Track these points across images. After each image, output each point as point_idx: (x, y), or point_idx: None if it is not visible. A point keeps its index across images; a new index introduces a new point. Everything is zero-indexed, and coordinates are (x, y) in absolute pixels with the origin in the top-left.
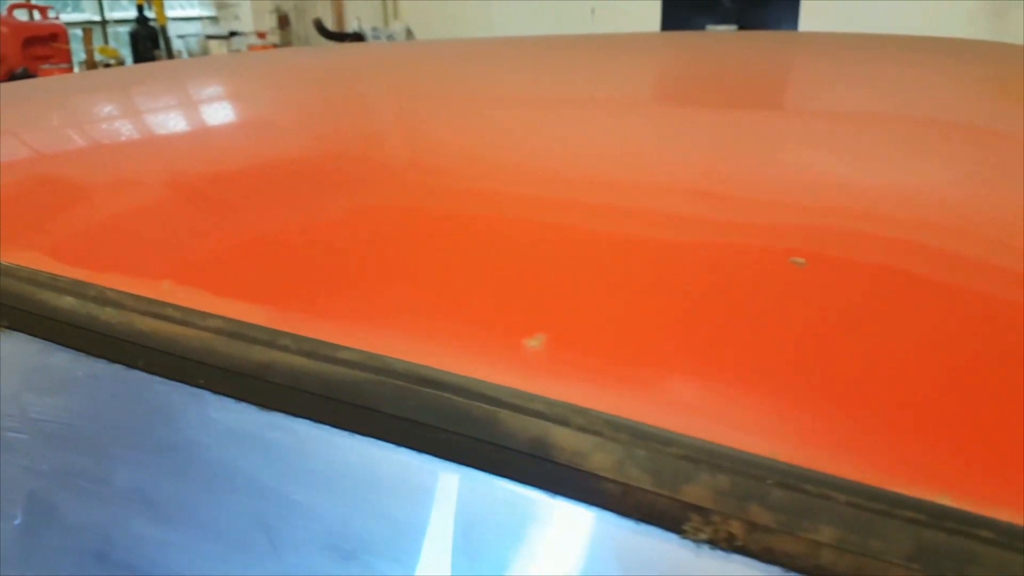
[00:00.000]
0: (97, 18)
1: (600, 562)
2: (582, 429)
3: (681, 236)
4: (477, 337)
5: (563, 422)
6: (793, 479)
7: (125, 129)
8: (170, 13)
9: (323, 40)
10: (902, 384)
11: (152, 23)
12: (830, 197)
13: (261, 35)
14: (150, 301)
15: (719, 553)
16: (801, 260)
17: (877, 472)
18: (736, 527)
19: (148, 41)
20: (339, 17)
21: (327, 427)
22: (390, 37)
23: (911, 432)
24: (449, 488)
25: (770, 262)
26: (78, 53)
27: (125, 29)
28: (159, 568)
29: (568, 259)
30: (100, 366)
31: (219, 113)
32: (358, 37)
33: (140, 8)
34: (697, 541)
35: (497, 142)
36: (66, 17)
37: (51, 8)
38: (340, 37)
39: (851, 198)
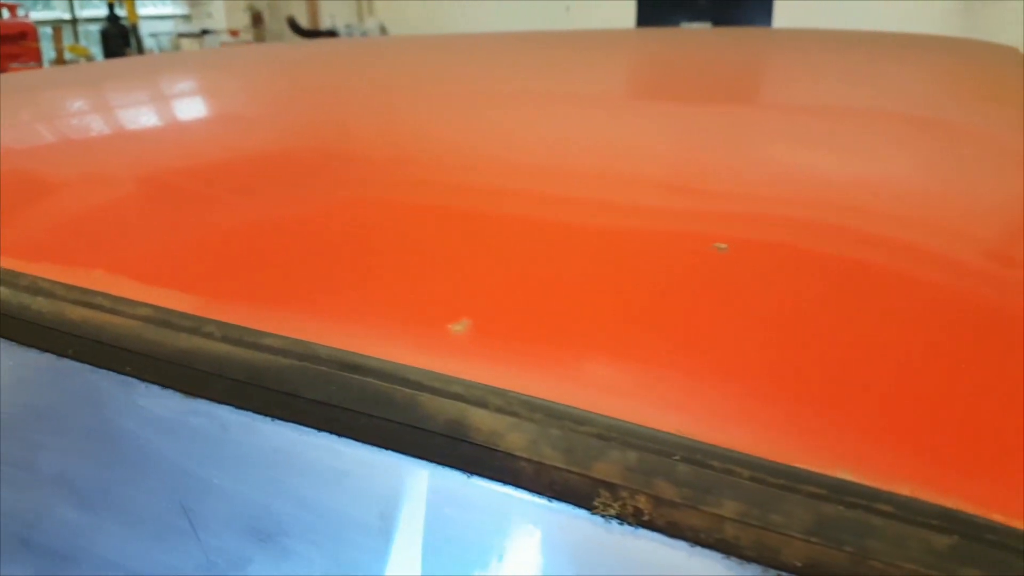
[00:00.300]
0: (68, 16)
1: (515, 539)
2: (499, 410)
3: (604, 222)
4: (403, 322)
5: (481, 404)
6: (699, 455)
7: (68, 122)
8: (142, 11)
9: (297, 38)
10: (806, 362)
11: (123, 21)
12: (765, 185)
13: (234, 33)
14: (81, 290)
15: (627, 528)
16: (723, 246)
17: (780, 448)
18: (643, 502)
19: (119, 39)
20: (313, 15)
21: (249, 413)
22: (363, 34)
23: (814, 409)
24: (368, 471)
25: (692, 248)
26: (48, 52)
27: (96, 27)
28: (82, 552)
29: (495, 245)
30: (31, 355)
31: (163, 107)
32: (331, 34)
33: (111, 6)
34: (606, 516)
35: (435, 133)
36: (36, 15)
37: (20, 6)
38: (313, 34)
39: (785, 185)
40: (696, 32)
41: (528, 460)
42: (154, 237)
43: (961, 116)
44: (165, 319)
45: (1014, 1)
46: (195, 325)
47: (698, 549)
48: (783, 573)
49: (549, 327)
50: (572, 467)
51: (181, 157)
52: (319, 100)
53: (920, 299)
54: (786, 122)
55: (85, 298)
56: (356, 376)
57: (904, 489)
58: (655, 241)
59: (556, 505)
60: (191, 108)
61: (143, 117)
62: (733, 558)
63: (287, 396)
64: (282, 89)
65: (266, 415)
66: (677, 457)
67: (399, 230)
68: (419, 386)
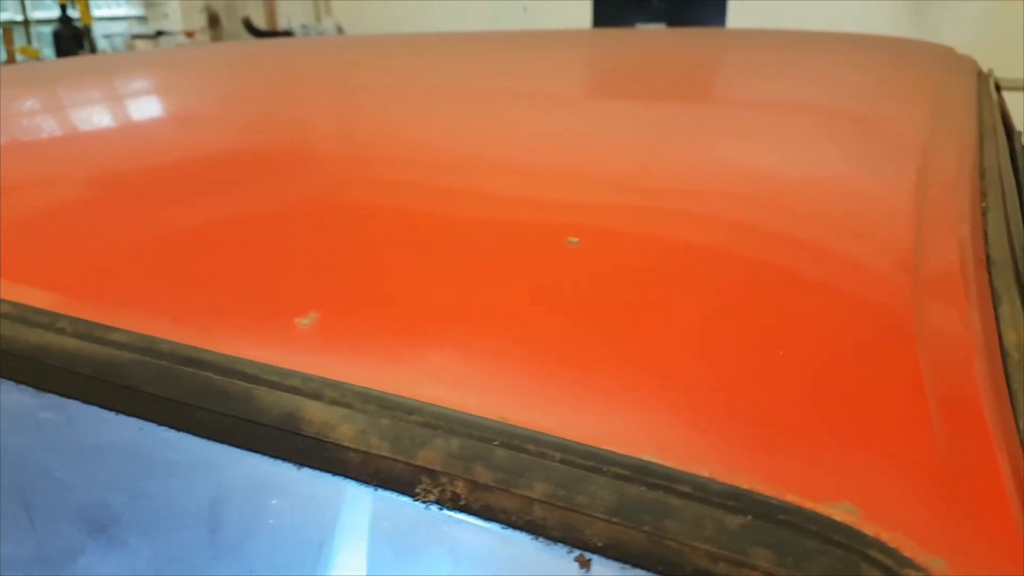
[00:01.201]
0: (19, 18)
1: (341, 528)
2: (333, 402)
3: (457, 213)
4: (251, 317)
5: (316, 396)
6: (518, 440)
7: None
8: (97, 12)
9: (252, 39)
10: (619, 351)
11: (76, 23)
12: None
13: (190, 34)
14: None
15: (447, 513)
16: (575, 239)
17: (594, 432)
18: (460, 487)
19: (72, 41)
20: (271, 15)
21: (95, 407)
22: (319, 34)
23: (627, 395)
24: (202, 464)
25: (542, 241)
26: None
27: (49, 29)
28: None
29: (344, 239)
30: None
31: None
32: (287, 35)
33: (63, 7)
34: (427, 502)
35: (323, 129)
36: None
37: None
38: (269, 35)
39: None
40: (643, 33)
41: (356, 450)
42: (18, 235)
43: (867, 111)
44: (21, 315)
45: (965, 1)
46: (49, 321)
47: (510, 532)
48: (586, 552)
49: (391, 321)
50: (397, 455)
51: (70, 159)
52: (227, 100)
53: (726, 289)
54: (692, 116)
55: None
56: (194, 370)
57: (704, 471)
58: (505, 235)
59: (382, 493)
60: (97, 110)
61: (46, 118)
62: (541, 539)
63: (129, 390)
64: (204, 89)
65: (110, 409)
66: (497, 443)
67: (254, 227)
68: (256, 380)
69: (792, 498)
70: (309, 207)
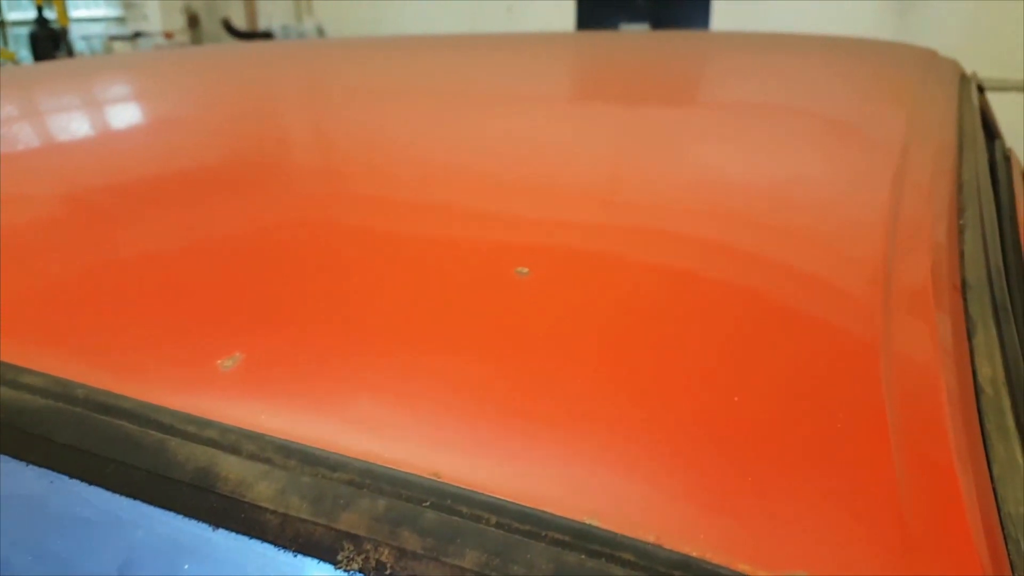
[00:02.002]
0: None
1: None
2: (252, 457)
3: (402, 242)
4: (172, 357)
5: (234, 449)
6: (450, 500)
7: None
8: (75, 13)
9: (233, 40)
10: (562, 405)
11: (53, 24)
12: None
13: (169, 35)
14: None
15: None
16: (524, 270)
17: (533, 492)
18: (386, 555)
19: (49, 43)
20: (251, 15)
21: (4, 456)
22: (300, 35)
23: (563, 449)
24: (113, 521)
25: (490, 272)
26: None
27: (25, 30)
28: None
29: (274, 277)
30: None
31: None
32: (267, 36)
33: (39, 8)
34: (349, 571)
35: (250, 150)
36: None
37: None
38: (249, 36)
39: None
40: (624, 36)
41: (274, 512)
42: None
43: (841, 120)
44: None
45: (948, 2)
46: None
47: None
48: None
49: (319, 364)
50: (318, 518)
51: None
52: (177, 115)
53: (679, 331)
54: (661, 124)
55: None
56: (109, 418)
57: (650, 536)
58: (451, 267)
59: (301, 559)
60: (29, 125)
61: None
62: None
63: (40, 439)
64: (150, 104)
65: (19, 459)
66: (427, 504)
67: (182, 256)
68: (171, 430)
69: (744, 568)
70: (244, 234)
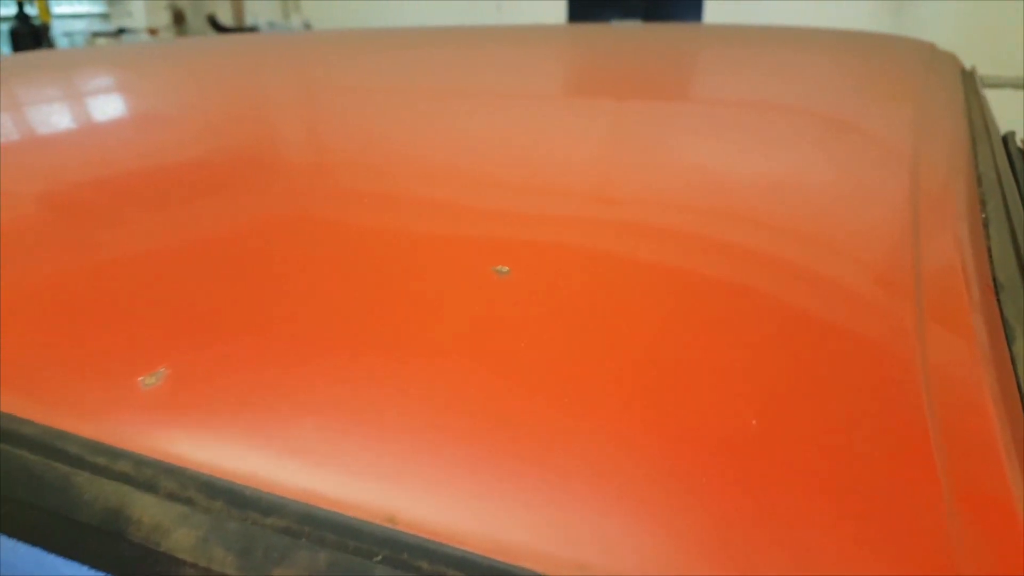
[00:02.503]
0: None
1: None
2: (171, 496)
3: (364, 236)
4: (86, 372)
5: (150, 487)
6: (407, 553)
7: None
8: (57, 9)
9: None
10: (539, 435)
11: (34, 20)
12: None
13: (153, 32)
14: None
15: None
16: (504, 269)
17: (496, 540)
18: None
19: (29, 39)
20: (238, 12)
21: None
22: (286, 31)
23: (541, 492)
24: (10, 573)
25: (469, 273)
26: None
27: (6, 27)
28: None
29: (221, 275)
30: None
31: None
32: (253, 32)
33: (20, 5)
34: None
35: (200, 144)
36: None
37: None
38: (235, 33)
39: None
40: (616, 29)
41: (194, 565)
42: None
43: (847, 114)
44: None
45: (942, 1)
46: None
47: None
48: None
49: (256, 384)
50: (246, 573)
51: None
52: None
53: (683, 343)
54: (659, 120)
55: None
56: (3, 447)
57: None
58: (418, 268)
59: None
60: None
61: None
62: None
63: None
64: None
65: None
66: (379, 558)
67: (107, 258)
68: (79, 462)
69: None
70: (182, 232)
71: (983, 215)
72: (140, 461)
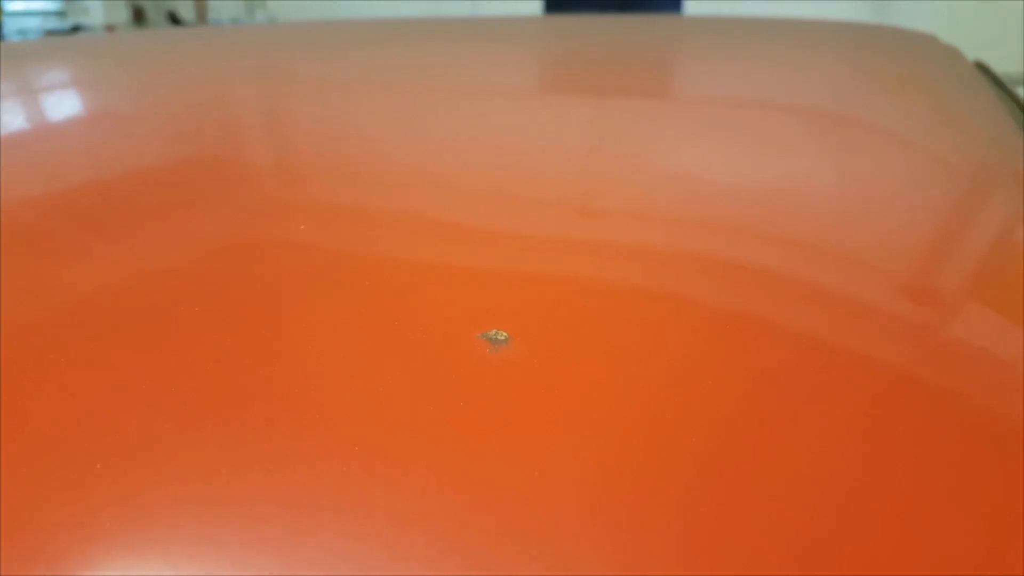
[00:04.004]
0: None
1: None
2: None
3: (315, 285)
4: None
5: None
6: None
7: None
8: (11, 6)
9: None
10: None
11: None
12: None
13: (111, 30)
14: None
15: None
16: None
17: None
18: None
19: None
20: (201, 9)
21: None
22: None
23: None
24: None
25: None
26: None
27: None
28: None
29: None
30: None
31: None
32: None
33: None
34: None
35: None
36: None
37: None
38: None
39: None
40: (593, 20)
41: None
42: None
43: (862, 114)
44: None
45: (925, 1)
46: None
47: None
48: None
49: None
50: None
51: None
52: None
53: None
54: (646, 121)
55: None
56: None
57: None
58: (376, 335)
59: None
60: None
61: None
62: None
63: None
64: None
65: None
66: None
67: None
68: None
69: None
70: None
71: None
72: None
